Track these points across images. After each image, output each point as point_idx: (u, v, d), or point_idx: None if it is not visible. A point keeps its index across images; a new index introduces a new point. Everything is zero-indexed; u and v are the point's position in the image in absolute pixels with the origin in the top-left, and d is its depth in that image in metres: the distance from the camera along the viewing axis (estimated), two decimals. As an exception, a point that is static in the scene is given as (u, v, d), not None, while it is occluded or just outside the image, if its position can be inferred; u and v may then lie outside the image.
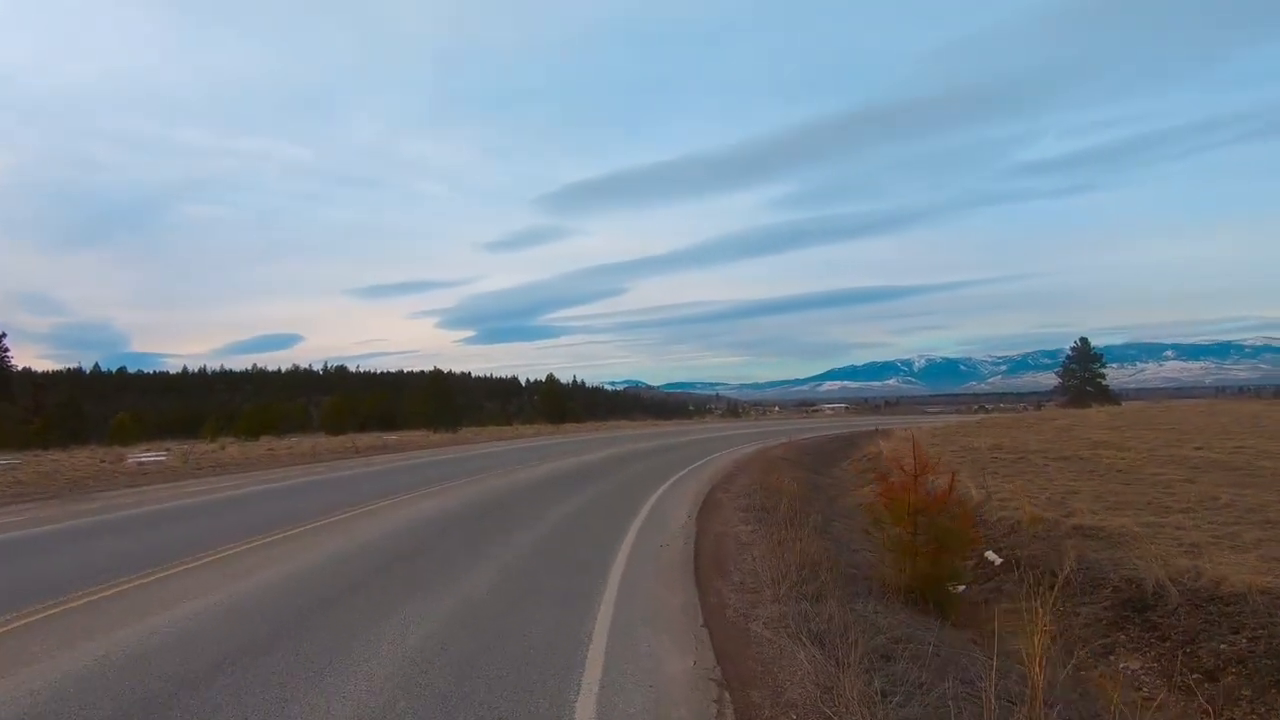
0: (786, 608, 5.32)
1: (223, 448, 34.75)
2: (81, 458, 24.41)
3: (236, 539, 7.74)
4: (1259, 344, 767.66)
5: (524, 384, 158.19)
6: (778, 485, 12.60)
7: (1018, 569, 7.46)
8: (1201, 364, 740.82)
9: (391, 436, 46.48)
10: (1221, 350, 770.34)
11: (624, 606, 5.35)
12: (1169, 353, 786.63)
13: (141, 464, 23.27)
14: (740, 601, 5.65)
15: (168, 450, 34.66)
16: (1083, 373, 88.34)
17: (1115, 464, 12.99)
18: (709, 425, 54.33)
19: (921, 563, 6.56)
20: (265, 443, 41.30)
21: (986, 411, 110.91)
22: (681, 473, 15.83)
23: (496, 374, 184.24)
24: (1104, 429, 22.49)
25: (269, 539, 7.77)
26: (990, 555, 7.98)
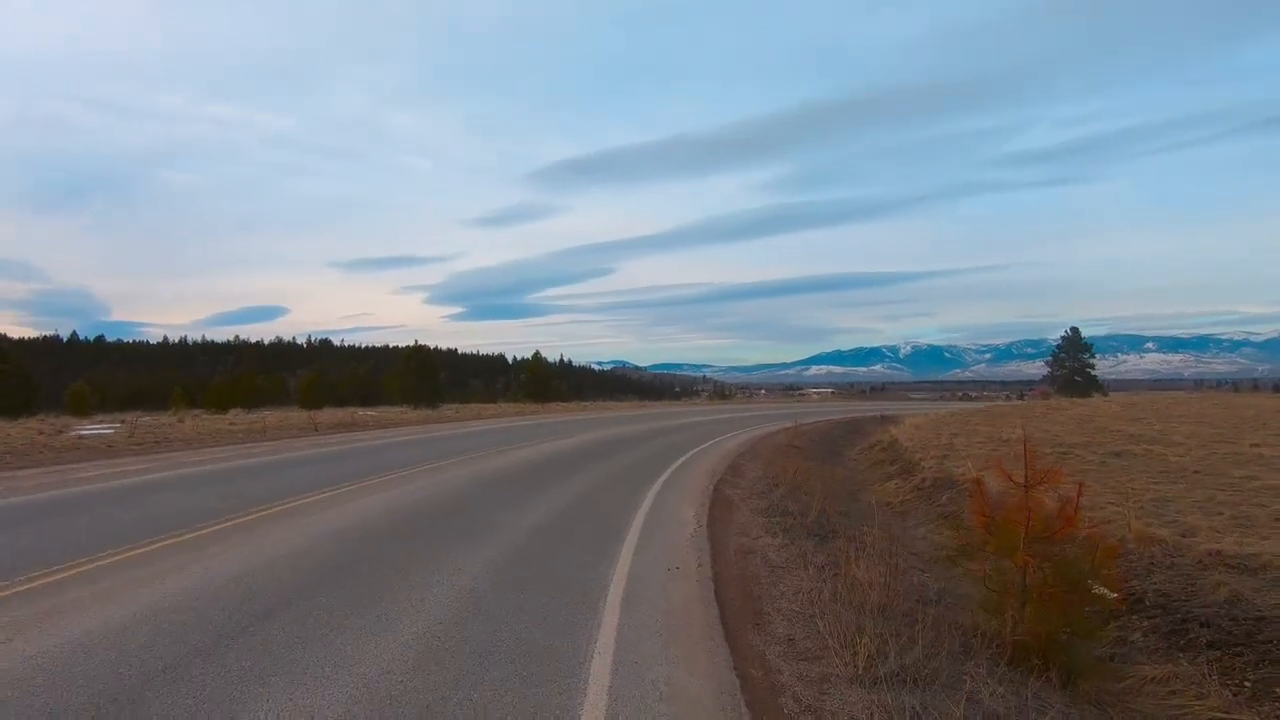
0: (877, 695, 3.40)
1: (181, 421, 32.53)
2: (20, 430, 22.15)
3: (52, 563, 5.65)
4: (1238, 338, 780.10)
5: (511, 362, 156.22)
6: (795, 478, 10.70)
7: (1145, 611, 5.59)
8: (1181, 356, 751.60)
9: (369, 413, 44.31)
10: (1201, 343, 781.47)
11: (625, 698, 3.38)
12: (1150, 345, 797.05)
13: (82, 437, 21.24)
14: (798, 678, 3.71)
15: (123, 422, 32.41)
16: (1072, 362, 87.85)
17: (1184, 463, 11.22)
18: (698, 408, 52.56)
19: (1040, 611, 4.66)
20: (230, 417, 39.06)
21: (971, 399, 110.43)
22: (679, 461, 13.91)
23: (483, 351, 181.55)
24: (1125, 420, 20.85)
25: (79, 570, 5.72)
26: (1101, 591, 6.07)
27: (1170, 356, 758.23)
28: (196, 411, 52.33)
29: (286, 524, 6.98)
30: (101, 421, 35.45)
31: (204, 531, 6.64)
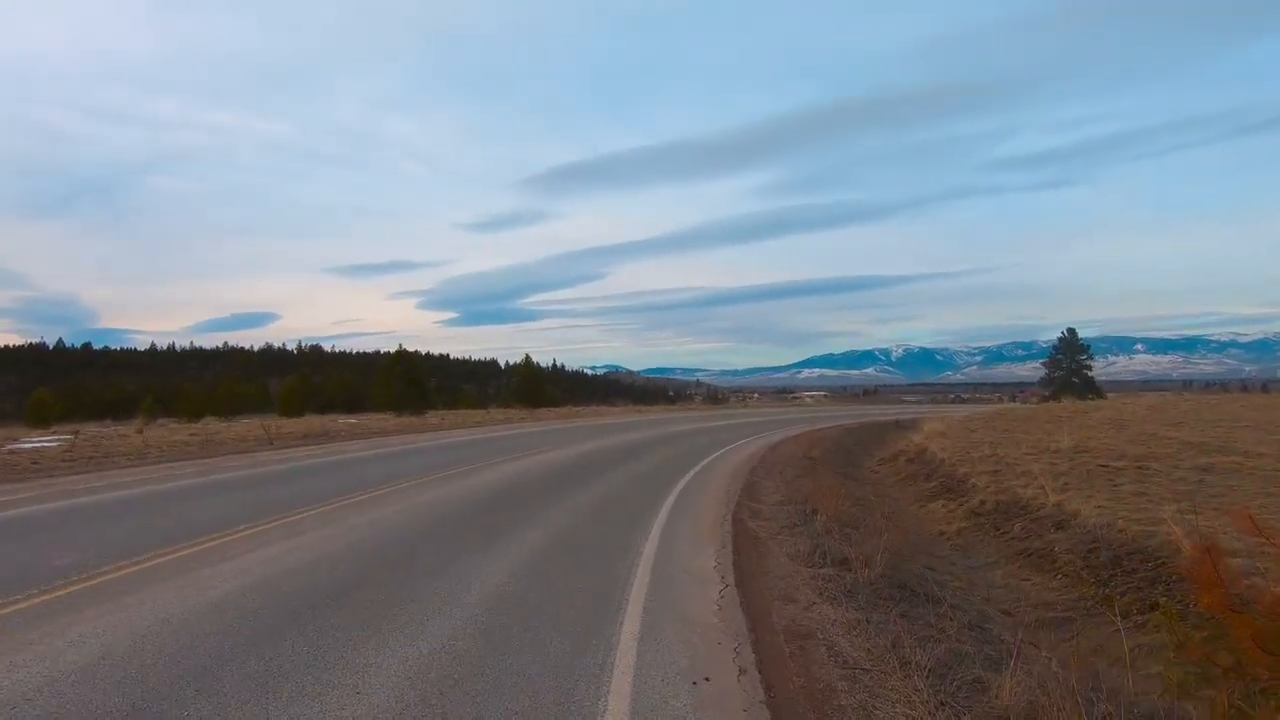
0: None
1: (139, 432, 30.27)
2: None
3: None
4: (1225, 339, 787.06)
5: (503, 367, 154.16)
6: (832, 504, 8.63)
7: None
8: (1169, 358, 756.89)
9: (350, 420, 42.02)
10: (1189, 345, 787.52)
11: None
12: (1139, 346, 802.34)
13: (12, 452, 19.10)
14: None
15: (76, 433, 30.09)
16: (1069, 364, 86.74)
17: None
18: (694, 413, 50.50)
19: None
20: (193, 428, 36.78)
21: (964, 401, 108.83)
22: (684, 479, 11.83)
23: (476, 356, 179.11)
24: (1165, 425, 18.90)
25: None
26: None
27: (1159, 358, 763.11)
28: (164, 421, 49.83)
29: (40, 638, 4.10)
30: (55, 433, 33.07)
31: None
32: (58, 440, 24.22)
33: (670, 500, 9.57)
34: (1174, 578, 5.83)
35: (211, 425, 38.08)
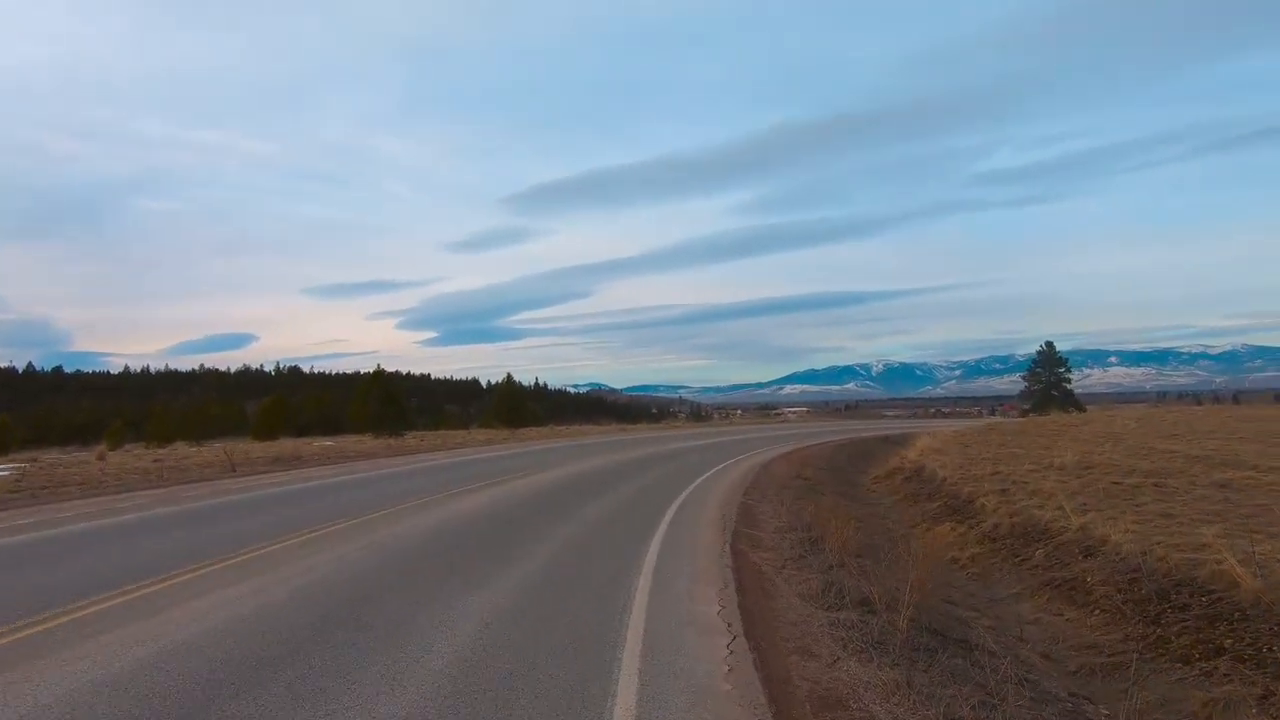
0: None
1: (101, 459, 28.88)
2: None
3: None
4: (1195, 351, 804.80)
5: (485, 386, 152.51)
6: (836, 531, 7.91)
7: None
8: (1143, 370, 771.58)
9: (325, 443, 40.70)
10: (1161, 357, 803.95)
11: None
12: (1113, 358, 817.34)
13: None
14: None
15: (34, 460, 28.66)
16: (1049, 376, 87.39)
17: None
18: (679, 431, 49.73)
19: None
20: (166, 452, 35.34)
21: (945, 415, 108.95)
22: (675, 506, 11.06)
23: (458, 376, 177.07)
24: (1162, 438, 18.51)
25: None
26: None
27: (1133, 370, 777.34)
28: (132, 446, 47.97)
29: None
30: (13, 460, 31.48)
31: None
32: (10, 469, 22.88)
33: (661, 530, 8.80)
34: (1236, 615, 5.17)
35: (180, 450, 36.57)
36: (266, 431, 60.36)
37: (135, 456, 29.18)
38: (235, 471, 18.10)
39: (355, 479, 15.90)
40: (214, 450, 31.56)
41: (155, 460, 26.23)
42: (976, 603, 7.10)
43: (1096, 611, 6.24)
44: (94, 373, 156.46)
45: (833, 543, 7.47)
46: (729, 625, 4.99)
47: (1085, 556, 7.26)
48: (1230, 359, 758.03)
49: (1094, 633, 5.88)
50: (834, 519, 8.55)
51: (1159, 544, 6.85)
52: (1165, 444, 16.73)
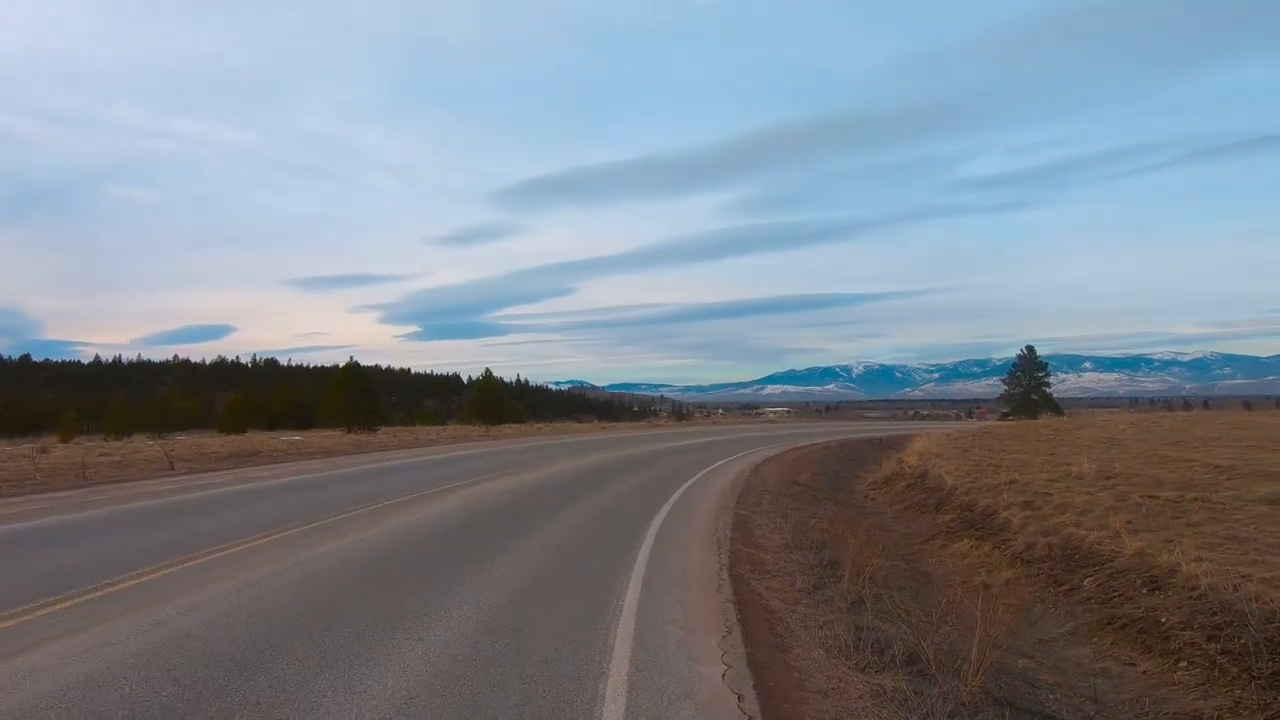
0: None
1: (43, 451, 27.03)
2: None
3: None
4: (1166, 358, 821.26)
5: (466, 382, 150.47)
6: (860, 558, 6.66)
7: None
8: (1116, 375, 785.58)
9: (294, 437, 38.93)
10: (1133, 363, 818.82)
11: None
12: (1087, 364, 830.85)
13: None
14: None
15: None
16: (1029, 381, 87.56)
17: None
18: (662, 431, 48.50)
19: None
20: (118, 445, 33.43)
21: (924, 418, 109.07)
22: (660, 517, 9.76)
23: (438, 371, 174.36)
24: (1164, 445, 17.60)
25: None
26: None
27: (1106, 375, 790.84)
28: (84, 439, 45.65)
29: None
30: (-51, 453, 29.35)
31: None
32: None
33: (645, 549, 7.51)
34: (1392, 684, 4.00)
35: (134, 444, 34.56)
36: (234, 425, 58.11)
37: (83, 450, 27.28)
38: (173, 469, 16.49)
39: (310, 479, 14.42)
40: (169, 444, 29.71)
41: (101, 455, 24.44)
42: (1024, 645, 5.90)
43: (1183, 664, 5.05)
44: (63, 362, 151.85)
45: (851, 569, 6.23)
46: (739, 699, 3.70)
47: (1151, 590, 6.09)
48: (1199, 366, 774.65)
49: (1190, 695, 4.69)
50: (851, 537, 7.31)
51: (1242, 576, 5.70)
52: (1172, 451, 15.76)
